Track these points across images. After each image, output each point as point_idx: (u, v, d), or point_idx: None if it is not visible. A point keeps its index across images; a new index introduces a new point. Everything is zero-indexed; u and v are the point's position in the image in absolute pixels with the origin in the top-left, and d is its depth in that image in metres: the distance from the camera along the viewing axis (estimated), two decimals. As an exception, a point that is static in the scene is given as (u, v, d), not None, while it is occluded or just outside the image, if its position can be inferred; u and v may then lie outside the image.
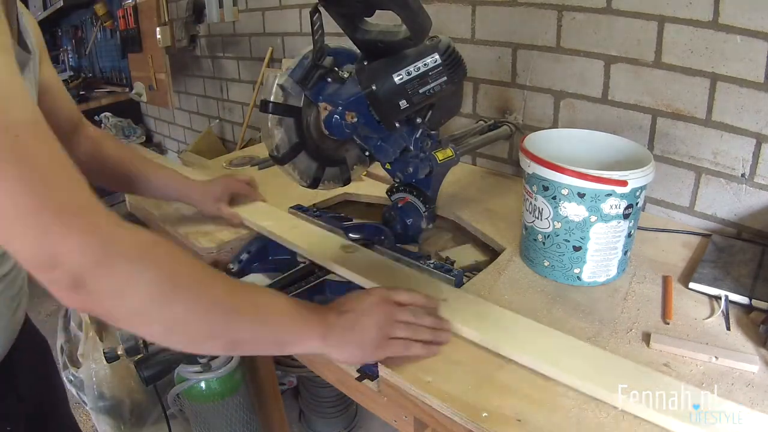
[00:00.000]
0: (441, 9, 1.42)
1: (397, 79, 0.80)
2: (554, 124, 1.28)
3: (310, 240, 0.98)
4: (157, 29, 2.40)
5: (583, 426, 0.59)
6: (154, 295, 0.48)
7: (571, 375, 0.64)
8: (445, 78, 0.81)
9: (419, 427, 0.73)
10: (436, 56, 0.80)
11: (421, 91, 0.82)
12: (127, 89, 3.14)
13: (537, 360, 0.67)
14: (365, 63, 0.84)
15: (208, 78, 2.61)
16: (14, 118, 0.44)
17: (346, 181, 1.01)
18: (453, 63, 0.82)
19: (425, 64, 0.80)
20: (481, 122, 1.33)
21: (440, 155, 1.02)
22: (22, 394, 0.77)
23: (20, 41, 0.66)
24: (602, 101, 1.18)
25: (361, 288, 0.84)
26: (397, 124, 0.86)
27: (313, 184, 0.94)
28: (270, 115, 0.85)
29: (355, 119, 0.84)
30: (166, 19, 2.44)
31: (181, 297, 0.50)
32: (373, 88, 0.81)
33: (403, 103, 0.83)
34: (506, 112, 1.38)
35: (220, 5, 2.18)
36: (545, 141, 0.94)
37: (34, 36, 0.72)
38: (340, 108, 0.84)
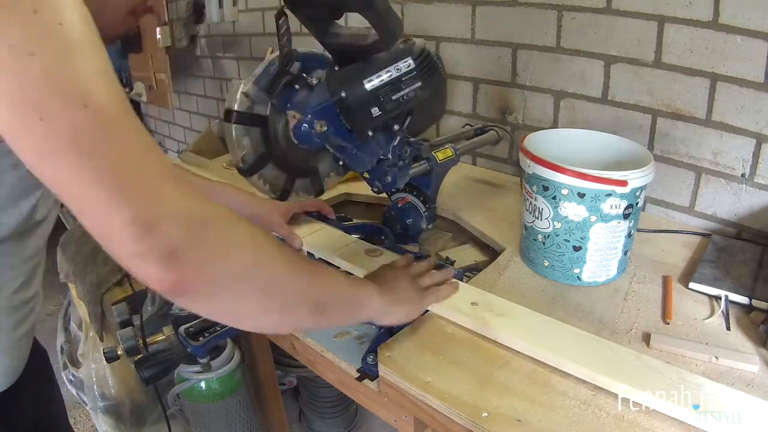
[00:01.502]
0: (441, 9, 1.42)
1: (368, 85, 0.76)
2: (554, 124, 1.28)
3: (332, 244, 0.95)
4: (157, 29, 2.40)
5: (583, 426, 0.59)
6: (253, 255, 0.47)
7: (573, 363, 0.66)
8: (419, 83, 0.77)
9: (419, 427, 0.73)
10: (410, 60, 0.75)
11: (394, 97, 0.77)
12: (127, 89, 3.13)
13: (540, 349, 0.69)
14: (336, 69, 0.80)
15: (208, 78, 2.61)
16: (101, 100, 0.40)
17: (319, 192, 0.95)
18: (428, 67, 0.77)
19: (398, 69, 0.75)
20: (468, 126, 1.31)
21: (440, 155, 1.02)
22: (25, 409, 0.76)
23: None
24: (602, 101, 1.18)
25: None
26: (370, 133, 0.82)
27: (283, 196, 0.88)
28: (234, 125, 0.79)
29: (325, 128, 0.80)
30: (166, 19, 2.44)
31: (273, 257, 0.50)
32: (343, 95, 0.77)
33: (375, 111, 0.78)
34: (506, 112, 1.38)
35: (220, 5, 2.18)
36: (545, 141, 0.94)
37: None
38: (309, 116, 0.79)
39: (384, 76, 0.75)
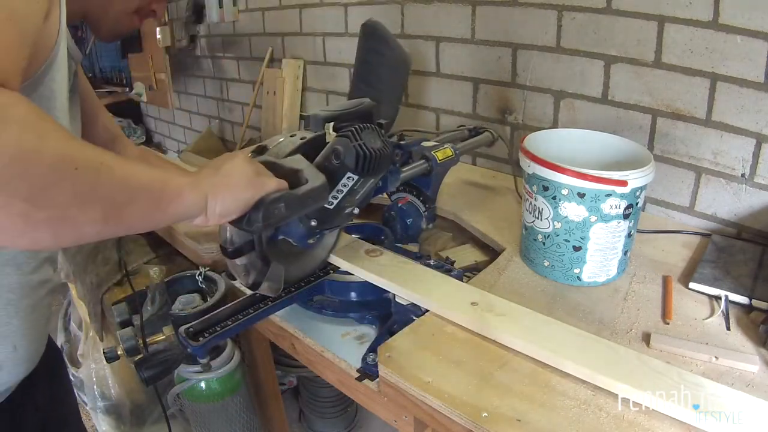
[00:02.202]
0: (441, 9, 1.42)
1: (330, 207, 0.75)
2: (554, 124, 1.28)
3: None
4: (157, 29, 2.40)
5: (583, 426, 0.59)
6: (16, 148, 0.39)
7: (573, 363, 0.65)
8: (372, 179, 0.77)
9: (419, 427, 0.73)
10: (350, 174, 0.74)
11: (358, 197, 0.77)
12: (127, 89, 3.14)
13: (540, 349, 0.68)
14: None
15: (208, 78, 2.61)
16: None
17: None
18: (371, 165, 0.74)
19: (345, 186, 0.74)
20: (462, 127, 1.31)
21: (440, 155, 1.02)
22: (39, 403, 0.77)
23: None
24: (602, 101, 1.18)
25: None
26: (356, 211, 0.81)
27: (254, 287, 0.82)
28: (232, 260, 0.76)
29: (314, 223, 0.76)
30: (166, 19, 2.44)
31: (42, 150, 0.41)
32: (312, 224, 0.75)
33: (351, 210, 0.78)
34: (506, 112, 1.38)
35: (220, 5, 2.19)
36: (545, 141, 0.94)
37: None
38: (298, 239, 0.77)
39: (338, 195, 0.75)
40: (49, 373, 0.81)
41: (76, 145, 0.44)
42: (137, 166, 0.52)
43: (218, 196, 0.58)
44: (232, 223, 0.62)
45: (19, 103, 0.41)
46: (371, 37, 1.19)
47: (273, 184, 0.63)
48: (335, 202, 0.75)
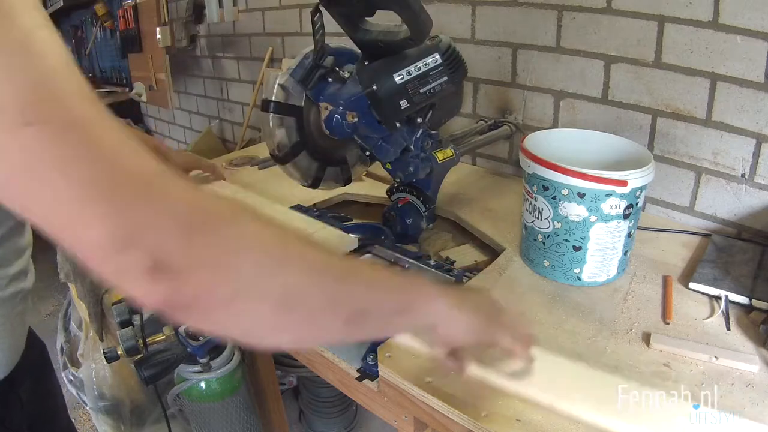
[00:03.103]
0: (441, 9, 1.42)
1: (397, 79, 0.81)
2: (554, 124, 1.28)
3: (332, 244, 0.91)
4: (157, 29, 2.40)
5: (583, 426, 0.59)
6: (264, 258, 0.38)
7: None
8: (445, 78, 0.82)
9: (419, 427, 0.73)
10: (437, 56, 0.80)
11: (421, 90, 0.82)
12: (127, 89, 3.14)
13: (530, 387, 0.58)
14: (366, 63, 0.84)
15: (208, 78, 2.61)
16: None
17: (347, 181, 1.01)
18: (453, 63, 0.82)
19: (426, 64, 0.80)
20: (482, 122, 1.33)
21: (440, 155, 1.02)
22: (24, 401, 0.76)
23: None
24: (602, 101, 1.18)
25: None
26: (398, 124, 0.86)
27: (314, 183, 0.94)
28: (271, 114, 0.85)
29: (356, 119, 0.84)
30: (166, 19, 2.44)
31: (291, 260, 0.40)
32: (374, 87, 0.82)
33: (403, 103, 0.83)
34: (506, 112, 1.38)
35: (220, 5, 2.18)
36: (545, 141, 0.94)
37: None
38: (341, 108, 0.84)
39: (413, 71, 0.80)
40: (35, 371, 0.81)
41: (321, 250, 0.43)
42: (384, 271, 0.50)
43: (468, 313, 0.54)
44: None
45: (246, 209, 0.40)
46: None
47: (510, 325, 0.57)
48: (406, 76, 0.80)
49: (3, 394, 0.71)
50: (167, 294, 0.35)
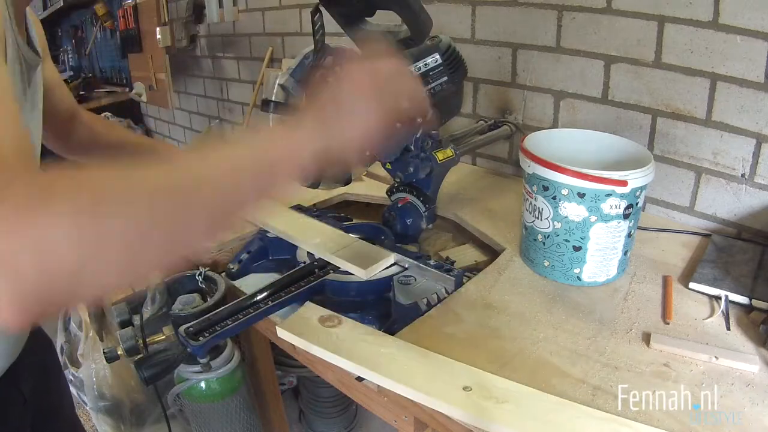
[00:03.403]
0: (441, 9, 1.42)
1: None
2: (554, 124, 1.28)
3: (332, 244, 0.93)
4: (157, 29, 2.40)
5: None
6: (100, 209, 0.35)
7: None
8: (446, 78, 0.81)
9: (419, 427, 0.73)
10: (437, 56, 0.80)
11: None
12: (127, 89, 3.14)
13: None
14: None
15: (208, 78, 2.61)
16: None
17: (347, 181, 1.00)
18: (454, 63, 0.81)
19: (426, 64, 0.80)
20: (482, 122, 1.33)
21: (440, 155, 1.02)
22: (28, 396, 0.77)
23: (30, 45, 0.66)
24: (602, 101, 1.18)
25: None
26: (398, 124, 0.86)
27: (314, 184, 0.93)
28: (271, 114, 0.85)
29: None
30: (166, 19, 2.44)
31: (136, 200, 0.37)
32: None
33: None
34: (506, 112, 1.38)
35: (220, 5, 2.18)
36: (545, 141, 0.94)
37: (38, 37, 0.72)
38: None
39: (413, 71, 0.80)
40: (38, 366, 0.81)
41: (166, 168, 0.41)
42: (230, 150, 0.46)
43: (355, 118, 0.49)
44: None
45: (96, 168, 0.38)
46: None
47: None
48: None
49: (3, 388, 0.71)
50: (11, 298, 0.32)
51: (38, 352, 0.80)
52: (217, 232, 0.43)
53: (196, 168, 0.42)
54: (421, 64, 0.80)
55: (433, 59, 0.80)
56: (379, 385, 0.70)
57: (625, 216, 0.83)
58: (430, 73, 0.81)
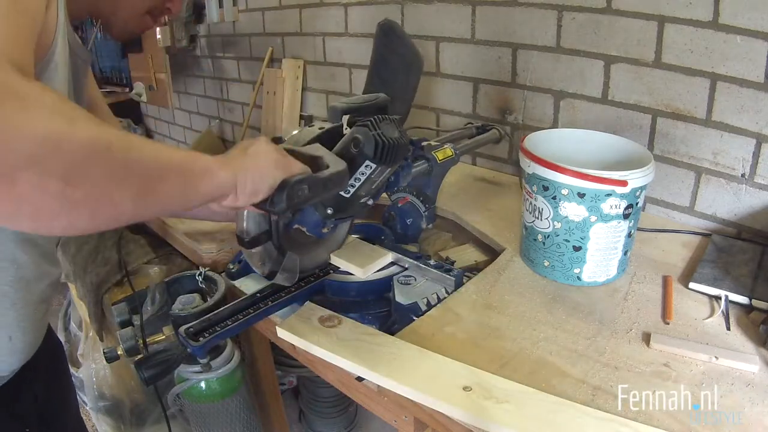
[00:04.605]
0: (441, 9, 1.42)
1: (346, 195, 0.77)
2: (554, 124, 1.28)
3: None
4: (157, 29, 2.40)
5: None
6: (46, 131, 0.39)
7: None
8: (389, 169, 0.78)
9: (419, 427, 0.73)
10: (368, 163, 0.74)
11: (374, 187, 0.79)
12: (127, 89, 3.14)
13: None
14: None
15: (208, 78, 2.61)
16: None
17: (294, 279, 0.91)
18: (389, 154, 0.74)
19: (363, 174, 0.75)
20: (470, 124, 1.32)
21: (440, 155, 1.02)
22: (38, 394, 0.77)
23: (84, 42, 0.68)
24: (602, 101, 1.18)
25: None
26: (370, 202, 0.83)
27: (272, 273, 0.84)
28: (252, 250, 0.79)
29: (330, 211, 0.79)
30: (166, 19, 2.44)
31: (73, 132, 0.41)
32: (329, 212, 0.77)
33: (366, 200, 0.81)
34: (506, 112, 1.38)
35: (220, 5, 2.19)
36: (545, 141, 0.94)
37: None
38: (313, 227, 0.80)
39: (355, 183, 0.76)
40: (50, 365, 0.81)
41: (106, 127, 0.44)
42: (166, 146, 0.52)
43: (248, 175, 0.58)
44: (256, 205, 0.62)
45: (46, 90, 0.41)
46: (388, 34, 1.20)
47: (298, 166, 0.64)
48: (352, 190, 0.76)
49: (16, 386, 0.72)
50: None
51: (50, 353, 0.81)
52: (143, 203, 0.47)
53: (136, 140, 0.47)
54: (358, 175, 0.75)
55: (367, 168, 0.74)
56: (379, 385, 0.70)
57: (625, 216, 0.83)
58: (372, 176, 0.76)
